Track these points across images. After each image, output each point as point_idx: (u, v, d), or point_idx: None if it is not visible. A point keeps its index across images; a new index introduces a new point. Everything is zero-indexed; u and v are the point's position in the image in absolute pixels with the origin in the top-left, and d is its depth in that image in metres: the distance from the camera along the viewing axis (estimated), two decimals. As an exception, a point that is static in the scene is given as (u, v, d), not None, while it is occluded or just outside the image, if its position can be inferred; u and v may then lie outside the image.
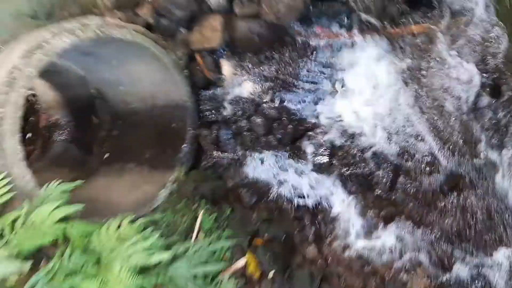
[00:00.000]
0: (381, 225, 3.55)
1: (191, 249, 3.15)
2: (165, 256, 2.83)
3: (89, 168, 3.93)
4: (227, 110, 3.88)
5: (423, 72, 3.55)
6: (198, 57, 3.75)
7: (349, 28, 3.68)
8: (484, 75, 3.32)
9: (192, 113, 3.71)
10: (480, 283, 3.25)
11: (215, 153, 3.89)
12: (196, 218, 3.45)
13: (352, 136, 3.73)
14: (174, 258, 3.04)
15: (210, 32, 3.55)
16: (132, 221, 3.14)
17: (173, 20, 3.60)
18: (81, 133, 4.19)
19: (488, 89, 3.36)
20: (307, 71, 3.81)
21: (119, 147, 3.86)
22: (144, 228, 3.15)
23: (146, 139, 3.80)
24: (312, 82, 3.82)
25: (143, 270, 2.87)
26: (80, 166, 3.95)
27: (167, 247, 3.11)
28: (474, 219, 3.34)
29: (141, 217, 3.35)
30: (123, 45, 3.31)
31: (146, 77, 3.63)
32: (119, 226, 3.02)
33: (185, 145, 3.69)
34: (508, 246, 3.24)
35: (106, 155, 3.97)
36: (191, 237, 3.38)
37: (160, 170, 3.70)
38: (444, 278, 3.32)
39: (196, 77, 3.80)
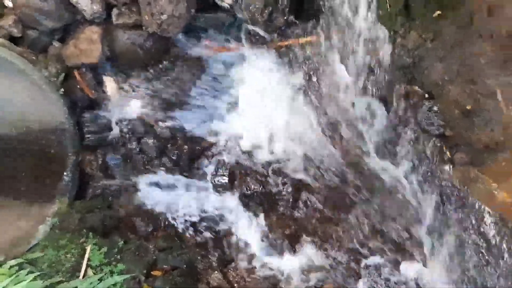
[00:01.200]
0: (286, 244, 3.51)
1: None
2: None
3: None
4: (114, 132, 3.65)
5: (314, 84, 3.58)
6: (76, 74, 3.45)
7: (238, 41, 3.62)
8: (374, 84, 3.40)
9: (72, 136, 3.38)
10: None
11: (103, 180, 3.63)
12: (83, 254, 3.15)
13: (251, 154, 3.68)
14: None
15: (88, 45, 3.28)
16: (1, 264, 2.85)
17: (43, 32, 3.32)
18: None
19: (376, 97, 3.44)
20: (199, 87, 3.71)
21: (-11, 180, 3.38)
22: (18, 270, 2.86)
23: (21, 168, 3.37)
24: (205, 99, 3.72)
25: None
26: None
27: None
28: (375, 231, 3.37)
29: (15, 258, 3.02)
30: (-17, 61, 2.92)
31: (15, 98, 3.23)
32: None
33: (66, 173, 3.36)
34: (405, 254, 3.30)
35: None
36: (78, 276, 3.07)
37: (38, 203, 3.31)
38: (353, 289, 3.30)
39: (76, 96, 3.51)
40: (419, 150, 3.19)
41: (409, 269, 3.24)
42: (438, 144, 3.11)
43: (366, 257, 3.36)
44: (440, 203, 3.09)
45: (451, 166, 3.05)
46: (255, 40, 3.60)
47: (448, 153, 3.08)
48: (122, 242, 3.29)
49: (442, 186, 3.09)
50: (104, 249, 3.17)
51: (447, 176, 3.09)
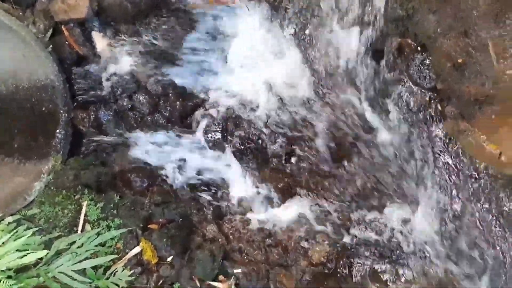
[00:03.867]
0: (279, 197, 3.56)
1: (77, 242, 2.92)
2: (41, 254, 2.56)
3: None
4: (106, 89, 3.59)
5: (308, 38, 3.53)
6: (64, 30, 3.36)
7: (228, -6, 3.54)
8: (367, 35, 3.37)
9: (63, 93, 3.33)
10: (373, 241, 3.38)
11: (96, 137, 3.60)
12: (80, 209, 3.19)
13: (244, 109, 3.66)
14: (57, 254, 2.82)
15: (75, 0, 3.18)
16: None
17: (29, -14, 3.20)
18: None
19: (370, 51, 3.42)
20: (191, 42, 3.63)
21: (-19, 138, 3.36)
22: (17, 227, 2.89)
23: (14, 126, 3.34)
24: (197, 54, 3.65)
25: (21, 271, 2.65)
26: None
27: (48, 244, 2.88)
28: (364, 183, 3.45)
29: (13, 214, 3.08)
30: (-31, 18, 2.84)
31: (4, 55, 3.15)
32: None
33: (58, 130, 3.33)
34: (394, 203, 3.39)
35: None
36: (76, 231, 3.13)
37: (32, 160, 3.31)
38: (344, 241, 3.41)
39: (65, 53, 3.42)
40: (410, 103, 3.22)
41: (397, 217, 3.34)
42: (430, 97, 3.13)
43: (356, 208, 3.45)
44: (430, 155, 3.15)
45: (441, 119, 3.09)
46: (248, -8, 3.55)
47: (439, 106, 3.10)
48: (118, 197, 3.30)
49: (432, 138, 3.14)
50: (101, 205, 3.21)
51: (438, 128, 3.14)
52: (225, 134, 3.62)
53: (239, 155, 3.60)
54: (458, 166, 3.05)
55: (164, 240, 3.16)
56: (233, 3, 3.56)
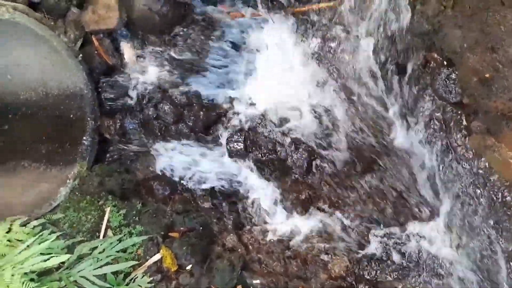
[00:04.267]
0: (299, 209, 3.54)
1: (99, 248, 2.97)
2: (64, 258, 2.63)
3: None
4: (132, 98, 3.66)
5: (331, 51, 3.54)
6: (94, 40, 3.46)
7: (254, 6, 3.59)
8: (391, 50, 3.37)
9: (91, 102, 3.41)
10: (395, 255, 3.31)
11: (121, 144, 3.67)
12: (103, 215, 3.23)
13: (266, 120, 3.66)
14: (79, 259, 2.88)
15: (105, 11, 3.27)
16: (25, 224, 2.95)
17: (62, -4, 3.31)
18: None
19: (395, 64, 3.41)
20: (216, 53, 3.68)
21: (11, 143, 3.43)
22: (42, 230, 2.96)
23: (42, 132, 3.42)
24: (222, 65, 3.70)
25: (43, 274, 2.71)
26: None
27: (70, 248, 2.95)
28: (386, 198, 3.40)
29: (38, 218, 3.14)
30: (3, 27, 2.97)
31: (35, 63, 3.25)
32: (9, 230, 2.77)
33: (85, 137, 3.41)
34: (416, 218, 3.33)
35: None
36: (98, 236, 3.17)
37: (59, 166, 3.38)
38: (363, 255, 3.35)
39: (95, 62, 3.51)
40: (435, 117, 3.18)
41: (419, 233, 3.29)
42: (455, 112, 3.10)
43: (377, 223, 3.40)
44: (455, 171, 3.10)
45: (467, 134, 3.05)
46: (272, 6, 3.57)
47: (465, 121, 3.06)
48: (140, 204, 3.34)
49: (457, 153, 3.09)
50: (123, 211, 3.24)
51: (463, 143, 3.09)
52: (247, 144, 3.63)
53: (260, 165, 3.60)
54: (484, 183, 2.99)
55: (184, 248, 3.17)
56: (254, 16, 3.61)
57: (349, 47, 3.50)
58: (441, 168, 3.16)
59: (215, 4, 3.60)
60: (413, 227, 3.31)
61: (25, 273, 2.52)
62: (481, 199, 2.93)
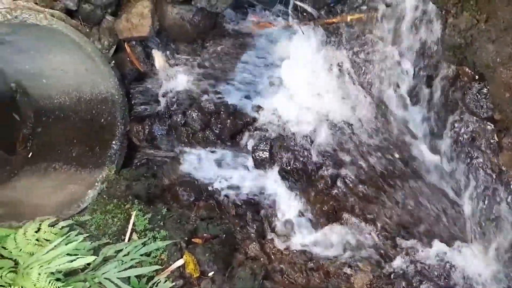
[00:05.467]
0: (323, 220, 3.51)
1: (123, 251, 3.00)
2: (90, 259, 2.67)
3: (11, 168, 3.61)
4: (161, 104, 3.74)
5: (359, 63, 3.53)
6: (127, 47, 3.55)
7: (285, 17, 3.60)
8: (421, 63, 3.33)
9: (122, 107, 3.50)
10: (419, 273, 3.23)
11: (148, 150, 3.74)
12: (128, 219, 3.28)
13: (293, 130, 3.67)
14: (104, 261, 2.92)
15: (139, 20, 3.35)
16: (53, 224, 3.00)
17: (97, 5, 3.40)
18: (1, 132, 3.79)
19: (425, 77, 3.37)
20: (245, 62, 3.73)
21: (43, 145, 3.57)
22: (69, 231, 3.01)
23: (73, 136, 3.54)
24: (250, 74, 3.74)
25: (69, 275, 2.74)
26: (1, 167, 3.61)
27: (96, 250, 2.99)
28: (411, 212, 3.34)
29: (66, 219, 3.20)
30: (41, 33, 3.06)
31: (70, 68, 3.36)
32: (38, 230, 2.85)
33: (114, 142, 3.49)
34: (442, 234, 3.25)
35: (30, 154, 3.66)
36: (123, 239, 3.21)
37: (88, 169, 3.47)
38: (386, 270, 3.28)
39: (126, 68, 3.61)
40: (465, 132, 3.12)
41: (444, 250, 3.21)
42: (486, 127, 3.03)
43: (402, 238, 3.33)
44: (483, 187, 3.03)
45: (498, 150, 2.98)
46: (302, 17, 3.58)
47: (495, 136, 3.00)
48: (165, 209, 3.37)
49: (487, 170, 3.02)
50: (148, 216, 3.27)
51: (493, 159, 3.02)
52: (272, 153, 3.64)
53: (285, 175, 3.60)
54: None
55: (207, 255, 3.18)
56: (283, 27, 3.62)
57: (377, 59, 3.48)
58: (469, 184, 3.10)
59: (246, 15, 3.63)
60: (440, 247, 3.23)
61: (52, 273, 2.55)
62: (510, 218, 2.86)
